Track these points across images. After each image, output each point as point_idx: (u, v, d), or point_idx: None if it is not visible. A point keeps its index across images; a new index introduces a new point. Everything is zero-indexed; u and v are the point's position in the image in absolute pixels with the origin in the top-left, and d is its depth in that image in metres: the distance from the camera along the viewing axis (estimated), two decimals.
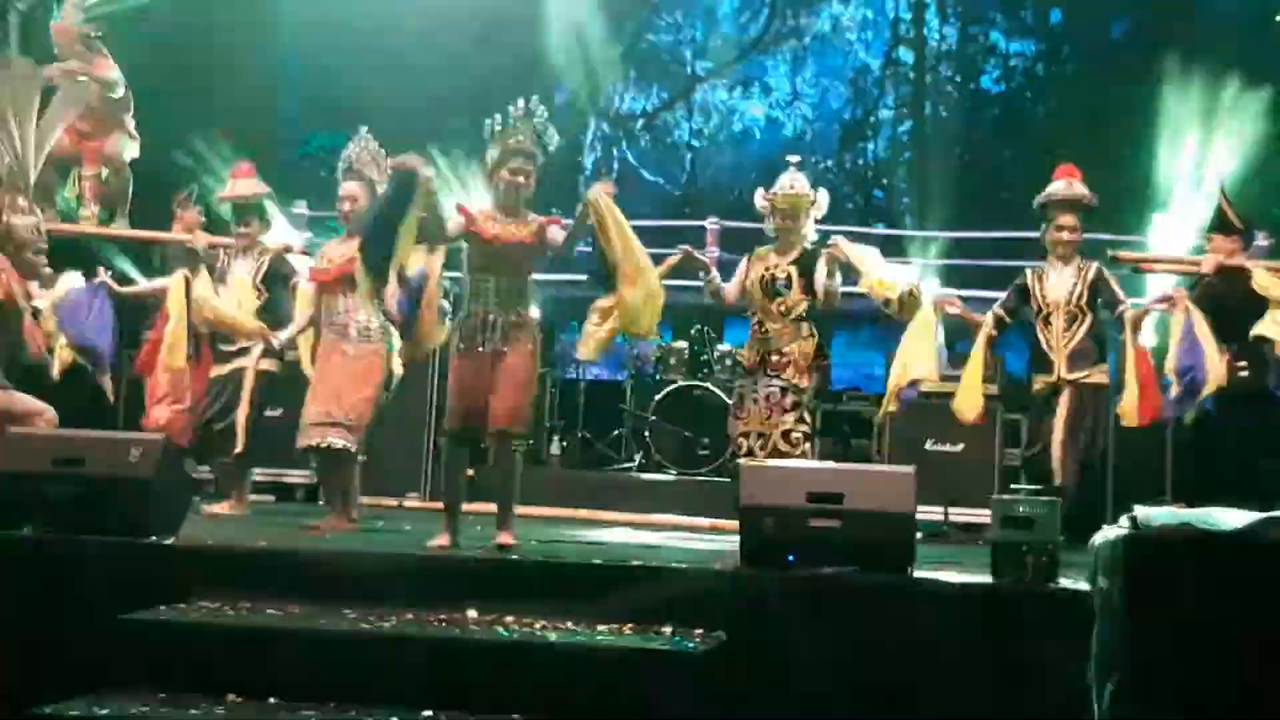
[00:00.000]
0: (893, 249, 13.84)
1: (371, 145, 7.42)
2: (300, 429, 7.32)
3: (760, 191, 7.48)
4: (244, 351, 8.10)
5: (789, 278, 7.27)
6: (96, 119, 9.41)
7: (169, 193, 9.60)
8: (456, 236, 6.47)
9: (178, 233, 9.30)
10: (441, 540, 6.25)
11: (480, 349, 6.35)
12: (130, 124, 9.46)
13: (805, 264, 7.28)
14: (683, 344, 11.17)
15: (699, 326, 11.17)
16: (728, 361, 10.94)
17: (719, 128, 17.84)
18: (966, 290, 12.77)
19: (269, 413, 8.26)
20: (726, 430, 10.13)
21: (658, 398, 10.66)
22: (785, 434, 7.14)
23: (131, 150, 9.33)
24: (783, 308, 7.27)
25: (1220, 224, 7.85)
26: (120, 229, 9.42)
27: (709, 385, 10.66)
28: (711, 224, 12.86)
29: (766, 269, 7.32)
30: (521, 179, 6.46)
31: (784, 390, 7.17)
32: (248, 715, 4.79)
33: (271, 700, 4.88)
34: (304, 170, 8.88)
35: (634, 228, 6.53)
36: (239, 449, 8.01)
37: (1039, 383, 7.79)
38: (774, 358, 7.24)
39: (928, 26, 17.49)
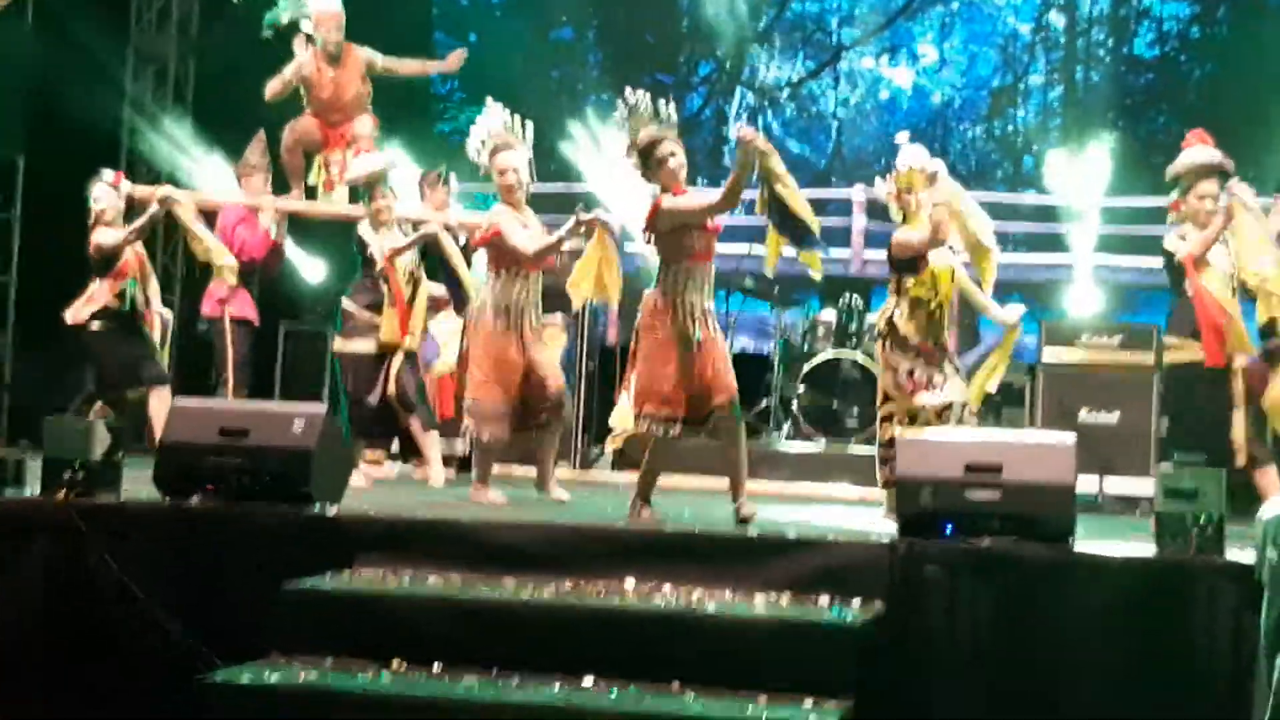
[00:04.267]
0: (1044, 216, 13.70)
1: (504, 114, 7.23)
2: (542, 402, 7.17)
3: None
4: None
5: None
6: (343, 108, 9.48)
7: None
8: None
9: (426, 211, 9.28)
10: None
11: (695, 341, 6.14)
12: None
13: None
14: (830, 314, 11.11)
15: (847, 296, 11.10)
16: (875, 332, 10.85)
17: (865, 96, 17.71)
18: (1119, 257, 12.62)
19: None
20: (874, 400, 10.26)
21: (806, 368, 10.61)
22: None
23: (375, 131, 9.43)
24: None
25: None
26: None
27: (857, 356, 10.59)
28: (858, 193, 12.81)
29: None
30: (684, 158, 6.25)
31: None
32: (412, 682, 4.88)
33: (435, 667, 4.97)
34: (454, 144, 8.97)
35: None
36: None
37: None
38: None
39: None
